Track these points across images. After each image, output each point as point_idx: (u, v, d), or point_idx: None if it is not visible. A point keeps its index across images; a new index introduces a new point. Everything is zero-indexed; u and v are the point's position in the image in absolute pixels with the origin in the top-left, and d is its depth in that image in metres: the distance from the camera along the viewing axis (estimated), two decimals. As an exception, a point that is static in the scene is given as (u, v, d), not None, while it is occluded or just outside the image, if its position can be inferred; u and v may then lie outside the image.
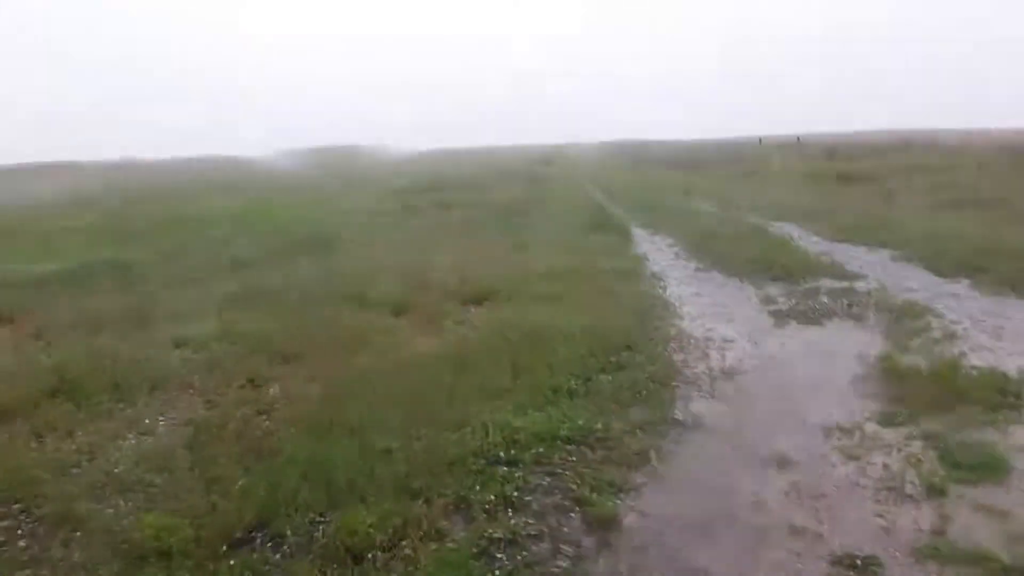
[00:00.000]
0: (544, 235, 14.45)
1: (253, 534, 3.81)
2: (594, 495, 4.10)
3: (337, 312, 8.09)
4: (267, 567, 3.54)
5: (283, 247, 13.50)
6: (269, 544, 3.73)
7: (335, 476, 4.21)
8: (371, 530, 3.67)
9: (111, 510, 4.07)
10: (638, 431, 4.95)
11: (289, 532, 3.79)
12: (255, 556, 3.62)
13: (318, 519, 3.88)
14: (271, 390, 5.88)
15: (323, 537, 3.71)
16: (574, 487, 4.21)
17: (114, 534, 3.79)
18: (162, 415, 5.50)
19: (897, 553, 3.50)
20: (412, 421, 5.01)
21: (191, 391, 5.96)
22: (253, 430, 5.05)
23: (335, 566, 3.48)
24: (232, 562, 3.54)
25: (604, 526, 3.84)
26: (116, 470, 4.53)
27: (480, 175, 34.44)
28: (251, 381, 6.06)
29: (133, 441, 5.03)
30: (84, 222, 19.91)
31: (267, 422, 5.21)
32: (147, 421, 5.37)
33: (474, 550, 3.59)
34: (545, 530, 3.81)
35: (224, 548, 3.64)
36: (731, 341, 7.06)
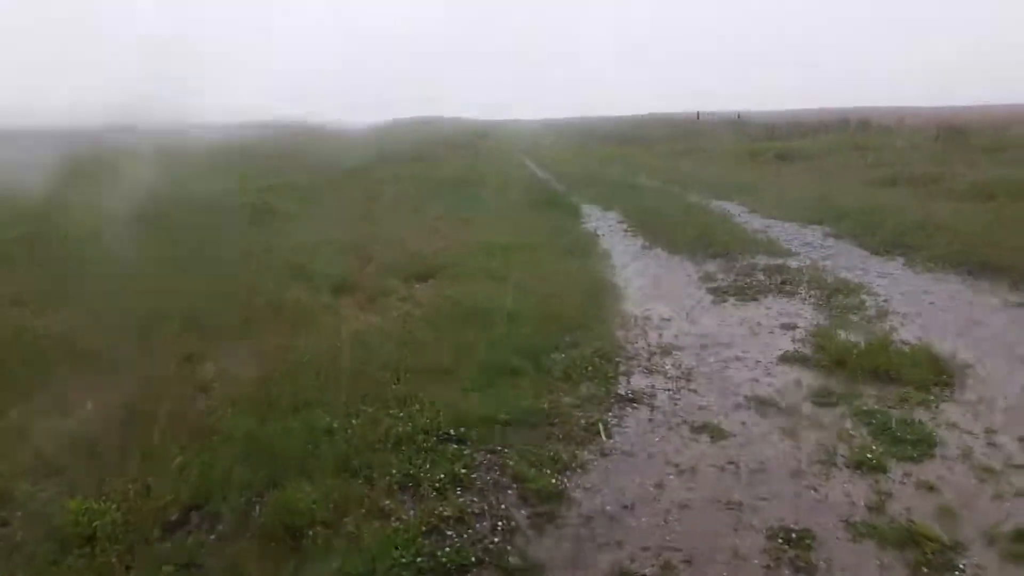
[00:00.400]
0: (489, 211, 14.35)
1: (189, 515, 3.71)
2: (533, 471, 4.12)
3: (276, 289, 7.91)
4: (203, 549, 3.46)
5: (219, 219, 13.00)
6: (205, 526, 3.65)
7: (275, 455, 4.13)
8: (313, 507, 3.62)
9: (43, 494, 3.92)
10: (584, 408, 5.01)
11: (227, 512, 3.70)
12: (190, 539, 3.53)
13: (256, 499, 3.80)
14: (208, 368, 5.74)
15: (262, 516, 3.64)
16: (511, 464, 4.22)
17: (39, 521, 3.65)
18: (93, 393, 5.31)
19: (830, 526, 3.60)
20: (355, 399, 4.95)
21: (124, 368, 5.77)
22: (190, 409, 4.92)
23: (274, 545, 3.42)
24: (167, 545, 3.44)
25: (548, 502, 3.87)
26: (44, 451, 4.37)
27: (419, 149, 33.95)
28: (187, 358, 5.90)
29: (61, 421, 4.85)
30: None
31: (204, 401, 5.08)
32: (76, 400, 5.18)
33: (423, 528, 3.57)
34: (486, 507, 3.81)
35: (157, 531, 3.54)
36: (671, 319, 7.17)
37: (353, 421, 4.62)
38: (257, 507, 3.75)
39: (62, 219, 11.71)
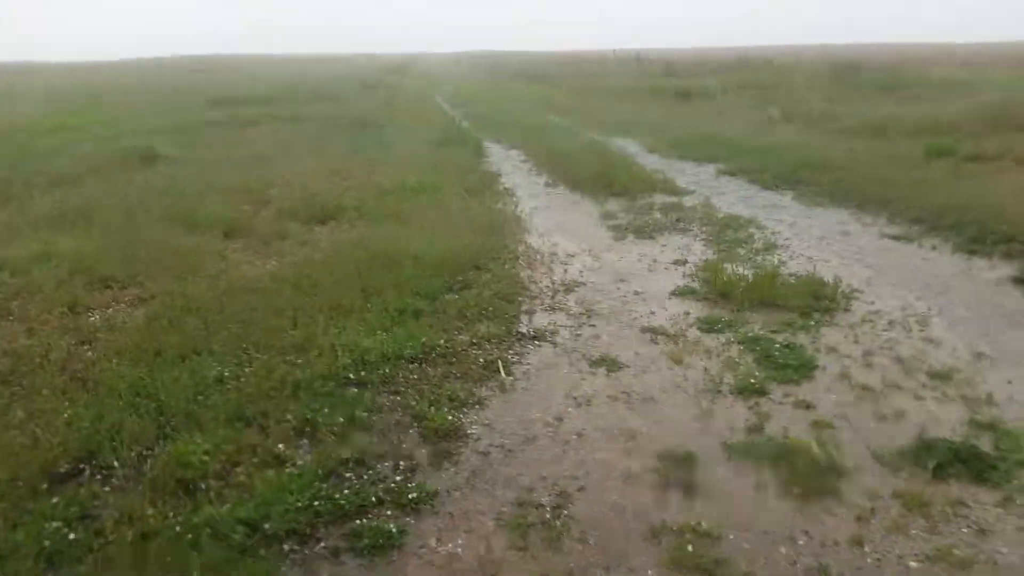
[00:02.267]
0: (395, 150, 14.05)
1: (80, 468, 3.60)
2: (432, 409, 4.17)
3: (163, 234, 7.59)
4: (96, 501, 3.37)
5: (99, 164, 12.24)
6: (97, 478, 3.55)
7: (164, 405, 4.04)
8: (205, 458, 3.56)
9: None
10: (484, 345, 5.06)
11: (117, 464, 3.60)
12: (82, 491, 3.42)
13: (147, 452, 3.71)
14: (94, 317, 5.52)
15: (153, 469, 3.56)
16: (414, 403, 4.25)
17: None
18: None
19: (712, 448, 3.81)
20: (249, 346, 4.86)
21: (10, 318, 5.52)
22: (76, 360, 4.74)
23: (167, 497, 3.35)
24: (55, 499, 3.32)
25: (446, 439, 3.92)
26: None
27: (327, 85, 32.82)
28: (72, 307, 5.66)
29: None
30: None
31: (91, 351, 4.89)
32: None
33: (320, 472, 3.56)
34: (388, 448, 3.83)
35: (46, 485, 3.42)
36: (574, 255, 7.28)
37: (246, 369, 4.55)
38: (148, 461, 3.65)
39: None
